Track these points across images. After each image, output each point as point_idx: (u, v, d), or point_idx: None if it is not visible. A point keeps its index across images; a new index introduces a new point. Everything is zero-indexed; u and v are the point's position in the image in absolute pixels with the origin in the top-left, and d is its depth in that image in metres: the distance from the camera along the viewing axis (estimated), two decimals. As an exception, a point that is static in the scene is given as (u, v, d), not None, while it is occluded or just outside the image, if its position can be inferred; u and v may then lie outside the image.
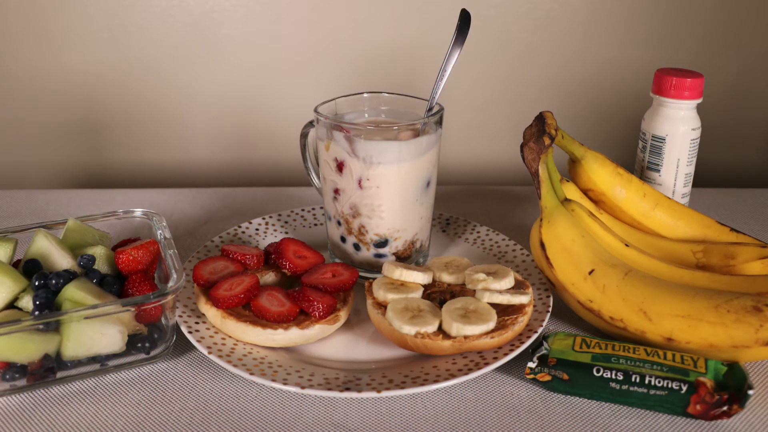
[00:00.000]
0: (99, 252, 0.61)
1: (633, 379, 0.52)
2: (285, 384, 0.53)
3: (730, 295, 0.55)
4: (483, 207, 0.90)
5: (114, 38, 0.97)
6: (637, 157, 0.78)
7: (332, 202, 0.69)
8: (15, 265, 0.60)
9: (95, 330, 0.54)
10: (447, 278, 0.63)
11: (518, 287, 0.61)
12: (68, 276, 0.56)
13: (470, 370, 0.54)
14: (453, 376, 0.54)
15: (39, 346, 0.53)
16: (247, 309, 0.59)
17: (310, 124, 0.72)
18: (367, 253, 0.69)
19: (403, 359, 0.59)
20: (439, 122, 0.67)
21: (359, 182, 0.65)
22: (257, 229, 0.79)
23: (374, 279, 0.62)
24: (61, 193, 0.93)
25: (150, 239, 0.63)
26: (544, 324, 0.60)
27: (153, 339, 0.58)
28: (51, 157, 1.04)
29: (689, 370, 0.52)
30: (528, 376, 0.55)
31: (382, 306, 0.59)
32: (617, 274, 0.59)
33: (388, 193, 0.66)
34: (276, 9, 0.97)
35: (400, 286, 0.61)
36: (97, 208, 0.88)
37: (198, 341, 0.57)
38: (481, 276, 0.60)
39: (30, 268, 0.58)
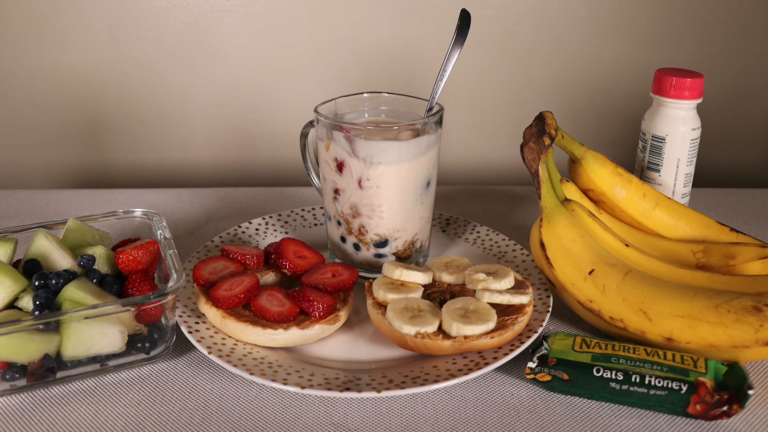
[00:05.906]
0: (99, 252, 0.61)
1: (633, 379, 0.52)
2: (285, 384, 0.53)
3: (730, 295, 0.55)
4: (483, 207, 0.90)
5: (114, 38, 0.97)
6: (637, 157, 0.78)
7: (332, 202, 0.69)
8: (15, 265, 0.60)
9: (95, 330, 0.54)
10: (447, 278, 0.63)
11: (518, 287, 0.61)
12: (68, 276, 0.56)
13: (470, 370, 0.54)
14: (453, 376, 0.54)
15: (39, 346, 0.53)
16: (247, 309, 0.59)
17: (310, 124, 0.72)
18: (367, 253, 0.69)
19: (403, 359, 0.59)
20: (439, 122, 0.67)
21: (359, 182, 0.65)
22: (257, 229, 0.79)
23: (374, 279, 0.62)
24: (61, 193, 0.93)
25: (150, 239, 0.63)
26: (544, 324, 0.60)
27: (153, 339, 0.58)
28: (51, 157, 1.04)
29: (689, 370, 0.52)
30: (528, 376, 0.55)
31: (382, 306, 0.59)
32: (617, 274, 0.59)
33: (388, 193, 0.66)
34: (276, 9, 0.97)
35: (400, 286, 0.61)
36: (97, 208, 0.88)
37: (198, 341, 0.57)
38: (481, 276, 0.60)
39: (30, 268, 0.58)
